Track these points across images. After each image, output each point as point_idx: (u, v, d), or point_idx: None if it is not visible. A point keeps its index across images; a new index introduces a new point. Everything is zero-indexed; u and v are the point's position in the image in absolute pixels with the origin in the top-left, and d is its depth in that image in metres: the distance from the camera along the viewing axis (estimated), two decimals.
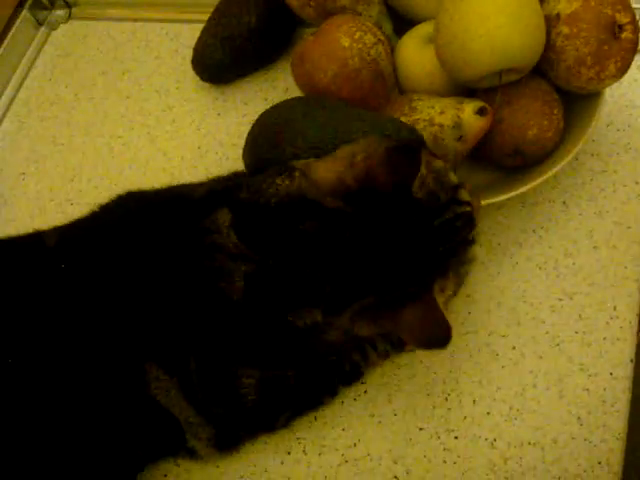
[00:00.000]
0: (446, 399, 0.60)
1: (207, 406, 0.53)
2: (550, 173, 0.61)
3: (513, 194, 0.61)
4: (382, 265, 0.49)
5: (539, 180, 0.61)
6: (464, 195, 0.52)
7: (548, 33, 0.60)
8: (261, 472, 0.59)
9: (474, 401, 0.60)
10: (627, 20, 0.59)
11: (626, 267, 0.63)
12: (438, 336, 0.48)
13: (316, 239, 0.49)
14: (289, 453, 0.60)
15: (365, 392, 0.62)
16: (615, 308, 0.61)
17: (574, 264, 0.64)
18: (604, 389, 0.58)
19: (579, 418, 0.58)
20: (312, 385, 0.57)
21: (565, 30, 0.59)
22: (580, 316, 0.62)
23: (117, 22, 0.92)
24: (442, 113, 0.59)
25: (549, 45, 0.60)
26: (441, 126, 0.58)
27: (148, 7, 0.90)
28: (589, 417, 0.57)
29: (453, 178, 0.52)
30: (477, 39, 0.56)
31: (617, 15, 0.58)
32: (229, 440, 0.57)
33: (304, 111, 0.58)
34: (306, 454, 0.60)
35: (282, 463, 0.60)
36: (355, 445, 0.59)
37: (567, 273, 0.64)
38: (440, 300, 0.49)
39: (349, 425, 0.60)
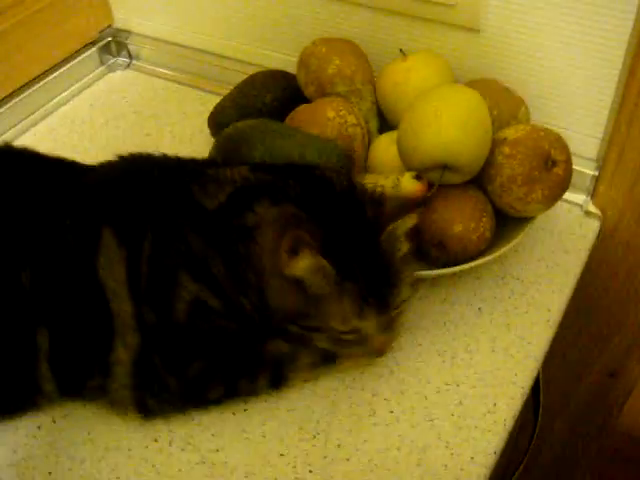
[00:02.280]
0: (314, 436, 0.63)
1: (145, 302, 0.57)
2: (464, 266, 0.68)
3: (434, 272, 0.67)
4: None
5: (454, 269, 0.67)
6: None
7: (493, 152, 0.69)
8: (124, 448, 0.62)
9: (338, 445, 0.62)
10: (561, 159, 0.68)
11: (516, 374, 0.67)
12: None
13: None
14: (156, 440, 0.62)
15: (245, 410, 0.65)
16: (495, 404, 0.65)
17: (470, 359, 0.68)
18: (461, 469, 0.60)
19: None
20: (232, 347, 0.61)
21: (506, 150, 0.68)
22: (460, 402, 0.65)
23: (164, 80, 1.06)
24: (386, 178, 0.68)
25: (491, 161, 0.69)
26: (382, 187, 0.67)
27: (191, 75, 1.05)
28: None
29: None
30: (428, 131, 0.66)
31: (552, 151, 0.68)
32: (148, 367, 0.60)
33: (260, 131, 0.72)
34: (170, 445, 0.62)
35: (146, 447, 0.62)
36: (217, 451, 0.62)
37: (461, 365, 0.68)
38: None
39: (219, 433, 0.63)
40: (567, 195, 0.79)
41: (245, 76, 0.90)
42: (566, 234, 0.80)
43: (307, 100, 0.82)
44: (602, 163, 0.82)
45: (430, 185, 0.68)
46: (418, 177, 0.66)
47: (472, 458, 0.61)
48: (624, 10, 0.70)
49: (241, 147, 0.75)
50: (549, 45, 0.77)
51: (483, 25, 0.78)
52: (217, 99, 0.95)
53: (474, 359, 0.68)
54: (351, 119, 0.74)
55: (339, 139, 0.74)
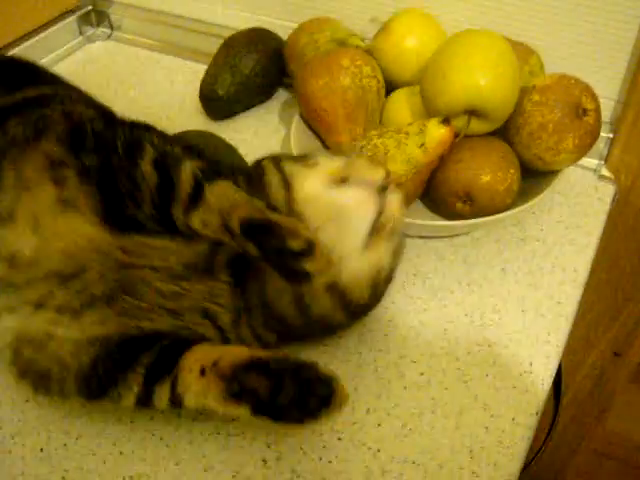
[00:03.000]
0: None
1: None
2: (491, 217, 0.63)
3: (457, 223, 0.63)
4: None
5: (483, 219, 0.63)
6: None
7: (520, 101, 0.65)
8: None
9: (367, 410, 0.57)
10: (591, 107, 0.65)
11: (549, 334, 0.63)
12: None
13: None
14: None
15: None
16: (531, 364, 0.60)
17: (500, 319, 0.64)
18: (503, 431, 0.55)
19: (471, 451, 0.54)
20: None
21: (536, 97, 0.65)
22: (494, 363, 0.60)
23: (147, 50, 1.00)
24: (410, 125, 0.63)
25: (519, 110, 0.65)
26: (407, 133, 0.62)
27: (175, 46, 0.99)
28: (481, 452, 0.54)
29: None
30: (457, 74, 0.62)
31: (583, 99, 0.64)
32: None
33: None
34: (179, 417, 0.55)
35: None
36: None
37: (491, 325, 0.63)
38: None
39: None
40: (580, 160, 0.76)
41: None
42: (583, 197, 0.77)
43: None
44: (617, 126, 0.79)
45: (455, 135, 0.64)
46: (445, 121, 0.62)
47: (513, 419, 0.56)
48: None
49: None
50: (565, 7, 0.75)
51: None
52: (202, 67, 0.90)
53: (503, 319, 0.64)
54: (367, 70, 0.70)
55: (351, 90, 0.69)
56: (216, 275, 0.53)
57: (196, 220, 0.50)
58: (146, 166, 0.51)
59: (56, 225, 0.50)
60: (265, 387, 0.46)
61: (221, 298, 0.53)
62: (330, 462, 0.53)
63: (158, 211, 0.51)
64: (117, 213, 0.51)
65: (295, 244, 0.47)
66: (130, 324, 0.51)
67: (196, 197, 0.50)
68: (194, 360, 0.49)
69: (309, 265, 0.47)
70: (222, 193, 0.51)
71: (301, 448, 0.54)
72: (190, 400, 0.48)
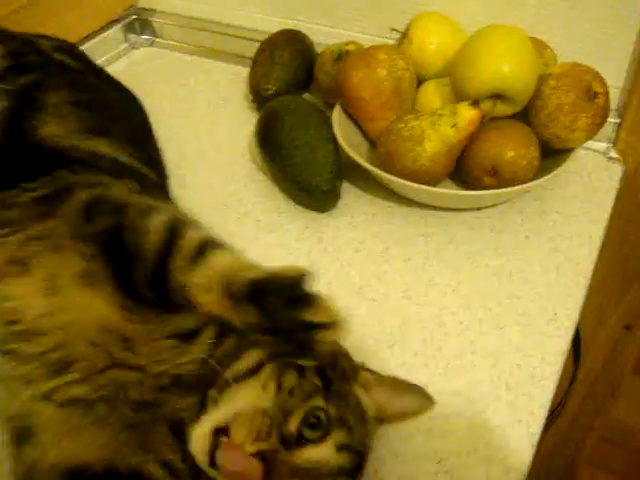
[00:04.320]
0: (390, 347, 0.65)
1: None
2: (516, 188, 0.72)
3: (486, 192, 0.71)
4: None
5: (509, 189, 0.72)
6: None
7: (539, 87, 0.74)
8: None
9: (415, 353, 0.65)
10: (601, 91, 0.74)
11: (570, 289, 0.71)
12: None
13: None
14: None
15: None
16: (556, 313, 0.68)
17: (525, 278, 0.72)
18: (534, 368, 0.63)
19: (507, 384, 0.62)
20: None
21: (552, 83, 0.73)
22: (524, 313, 0.68)
23: (189, 55, 1.09)
24: (442, 108, 0.72)
25: (538, 94, 0.74)
26: (440, 115, 0.71)
27: (214, 50, 1.09)
28: (517, 386, 0.62)
29: None
30: (485, 62, 0.71)
31: (594, 83, 0.73)
32: None
33: (283, 113, 0.79)
34: None
35: None
36: None
37: (518, 282, 0.71)
38: None
39: None
40: (590, 143, 0.85)
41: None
42: (594, 176, 0.86)
43: None
44: (623, 112, 0.87)
45: (483, 116, 0.73)
46: (474, 104, 0.71)
47: (543, 358, 0.64)
48: None
49: (275, 121, 0.80)
50: (573, 5, 0.84)
51: None
52: (240, 68, 0.99)
53: (529, 277, 0.72)
54: (401, 64, 0.78)
55: (387, 81, 0.78)
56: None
57: (195, 280, 0.49)
58: (156, 224, 0.52)
59: (71, 295, 0.50)
60: None
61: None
62: None
63: (155, 268, 0.50)
64: (124, 285, 0.50)
65: (313, 315, 0.46)
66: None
67: (200, 254, 0.50)
68: None
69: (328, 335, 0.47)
70: (228, 259, 0.50)
71: None
72: None
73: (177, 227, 0.52)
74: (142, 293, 0.50)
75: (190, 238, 0.51)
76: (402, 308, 0.69)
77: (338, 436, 0.47)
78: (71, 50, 0.82)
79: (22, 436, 0.50)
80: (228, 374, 0.49)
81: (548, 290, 0.71)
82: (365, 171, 0.78)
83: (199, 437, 0.46)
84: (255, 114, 0.95)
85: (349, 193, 0.82)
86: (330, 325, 0.48)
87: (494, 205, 0.80)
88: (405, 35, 0.85)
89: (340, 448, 0.47)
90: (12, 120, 0.63)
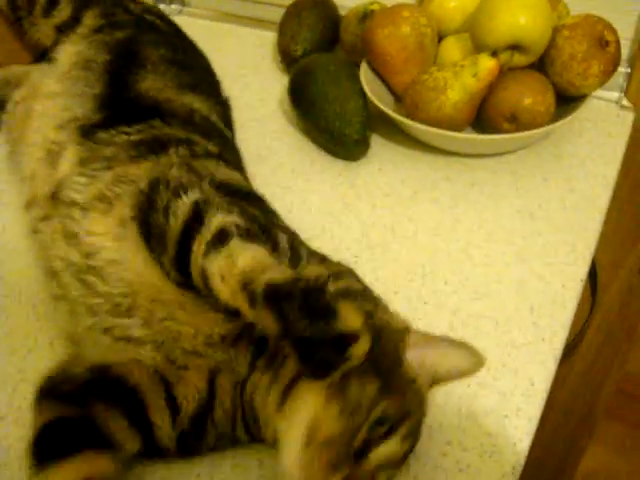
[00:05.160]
0: (422, 277, 0.71)
1: None
2: (534, 131, 0.77)
3: (507, 136, 0.77)
4: None
5: (527, 133, 0.77)
6: None
7: (553, 37, 0.79)
8: None
9: (445, 282, 0.71)
10: (612, 39, 0.79)
11: (586, 224, 0.76)
12: None
13: None
14: None
15: None
16: (574, 245, 0.74)
17: (546, 215, 0.78)
18: (555, 293, 0.69)
19: (531, 307, 0.68)
20: None
21: (566, 33, 0.78)
22: (544, 245, 0.74)
23: (217, 22, 1.15)
24: (464, 59, 0.77)
25: (553, 44, 0.79)
26: (462, 66, 0.76)
27: (243, 18, 1.14)
28: (540, 308, 0.68)
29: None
30: (503, 14, 0.76)
31: (605, 32, 0.78)
32: None
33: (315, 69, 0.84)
34: None
35: None
36: None
37: (539, 218, 0.77)
38: None
39: None
40: (603, 93, 0.90)
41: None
42: (607, 122, 0.91)
43: None
44: (633, 62, 0.92)
45: (501, 66, 0.78)
46: (494, 54, 0.76)
47: (563, 285, 0.70)
48: None
49: (306, 78, 0.86)
50: None
51: None
52: (267, 33, 1.04)
53: (549, 215, 0.78)
54: (423, 20, 0.83)
55: (412, 37, 0.83)
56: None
57: (215, 267, 0.48)
58: (184, 204, 0.53)
59: (130, 251, 0.56)
60: None
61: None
62: (420, 319, 0.67)
63: (179, 249, 0.52)
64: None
65: (343, 325, 0.43)
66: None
67: (221, 240, 0.49)
68: None
69: (355, 350, 0.44)
70: (249, 255, 0.48)
71: None
72: None
73: (206, 210, 0.52)
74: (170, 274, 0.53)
75: (214, 222, 0.51)
76: (431, 244, 0.75)
77: (403, 429, 0.49)
78: (160, 14, 0.89)
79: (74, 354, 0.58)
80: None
81: (566, 225, 0.76)
82: (392, 122, 0.84)
83: (292, 460, 0.47)
84: (283, 75, 1.00)
85: (377, 143, 0.87)
86: (356, 336, 0.45)
87: (513, 151, 0.85)
88: None
89: (405, 438, 0.49)
90: (113, 72, 0.71)
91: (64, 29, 0.81)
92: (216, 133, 0.72)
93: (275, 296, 0.44)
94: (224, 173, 0.65)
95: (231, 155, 0.73)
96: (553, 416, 1.51)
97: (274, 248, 0.54)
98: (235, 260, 0.47)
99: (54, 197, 0.63)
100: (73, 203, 0.61)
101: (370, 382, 0.49)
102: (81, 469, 0.50)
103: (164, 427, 0.54)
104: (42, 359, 0.65)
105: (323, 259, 0.62)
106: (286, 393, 0.50)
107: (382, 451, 0.48)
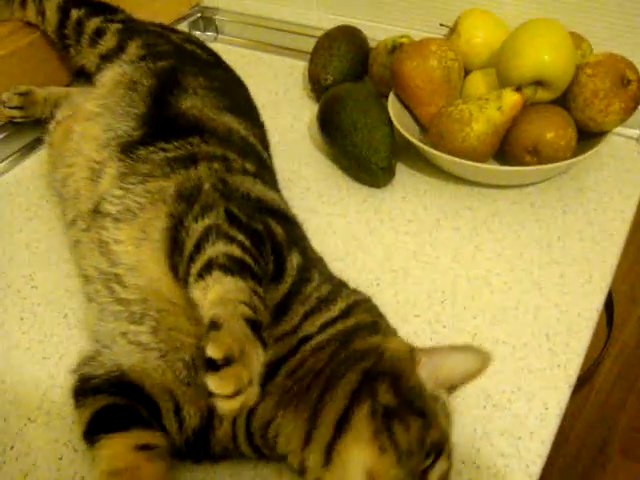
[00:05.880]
0: (442, 302, 0.74)
1: None
2: (555, 164, 0.80)
3: (529, 168, 0.80)
4: None
5: (549, 166, 0.80)
6: None
7: (577, 74, 0.82)
8: None
9: (464, 307, 0.73)
10: (634, 78, 0.81)
11: (604, 256, 0.78)
12: None
13: None
14: None
15: None
16: (590, 276, 0.76)
17: (564, 246, 0.80)
18: (571, 321, 0.71)
19: (547, 335, 0.70)
20: None
21: (589, 71, 0.81)
22: (561, 275, 0.76)
23: (250, 50, 1.19)
24: (489, 93, 0.81)
25: (576, 81, 0.82)
26: (487, 100, 0.79)
27: (275, 47, 1.19)
28: (555, 336, 0.70)
29: None
30: (528, 51, 0.79)
31: (627, 71, 0.81)
32: None
33: (345, 98, 0.88)
34: None
35: None
36: None
37: (557, 249, 0.79)
38: None
39: None
40: (624, 130, 0.93)
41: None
42: (627, 159, 0.93)
43: None
44: None
45: (525, 101, 0.81)
46: (518, 89, 0.79)
47: (579, 314, 0.72)
48: None
49: (336, 105, 0.89)
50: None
51: None
52: (298, 62, 1.08)
53: (566, 245, 0.80)
54: (450, 54, 0.87)
55: (438, 70, 0.86)
56: None
57: (195, 296, 0.51)
58: (198, 227, 0.57)
59: (145, 258, 0.60)
60: None
61: None
62: (439, 342, 0.69)
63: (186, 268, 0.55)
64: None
65: (211, 350, 0.43)
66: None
67: (205, 271, 0.51)
68: None
69: (211, 382, 0.43)
70: (222, 289, 0.49)
71: (415, 332, 0.71)
72: None
73: (208, 236, 0.55)
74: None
75: (208, 252, 0.53)
76: (452, 270, 0.77)
77: (447, 446, 0.53)
78: (199, 43, 0.94)
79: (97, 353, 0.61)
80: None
81: (584, 257, 0.78)
82: (417, 152, 0.87)
83: None
84: (312, 102, 1.04)
85: (403, 172, 0.90)
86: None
87: (535, 183, 0.88)
88: (453, 30, 0.93)
89: (450, 454, 0.53)
90: (157, 94, 0.75)
91: (108, 57, 0.85)
92: (254, 153, 0.75)
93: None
94: (260, 190, 0.68)
95: (268, 176, 0.76)
96: (568, 448, 1.51)
97: (278, 270, 0.57)
98: (208, 293, 0.50)
99: (95, 211, 0.67)
100: (108, 214, 0.65)
101: (413, 420, 0.51)
102: (137, 437, 0.54)
103: (172, 433, 0.57)
104: (72, 366, 0.68)
105: (340, 285, 0.64)
106: (329, 448, 0.51)
107: (436, 473, 0.51)
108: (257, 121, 0.85)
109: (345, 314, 0.59)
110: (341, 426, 0.51)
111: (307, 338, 0.57)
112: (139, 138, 0.71)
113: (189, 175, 0.65)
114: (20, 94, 0.93)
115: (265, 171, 0.76)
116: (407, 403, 0.52)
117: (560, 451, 1.48)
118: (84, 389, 0.59)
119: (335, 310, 0.59)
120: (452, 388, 0.57)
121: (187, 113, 0.74)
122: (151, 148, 0.69)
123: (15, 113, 0.94)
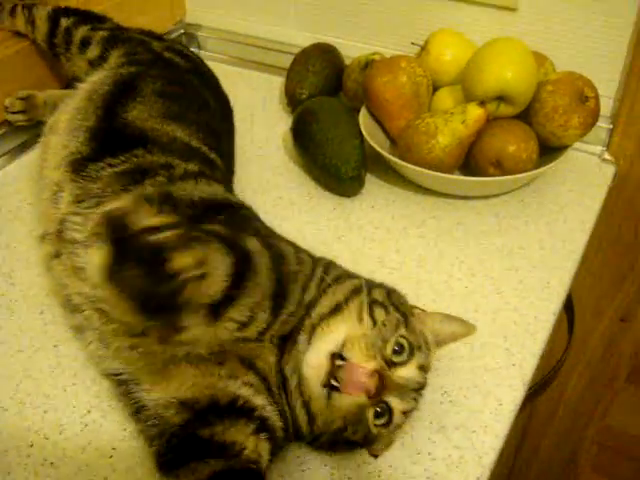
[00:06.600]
0: None
1: None
2: (517, 176, 0.84)
3: (491, 179, 0.83)
4: None
5: (511, 177, 0.83)
6: None
7: (538, 91, 0.86)
8: None
9: (426, 310, 0.76)
10: (591, 95, 0.86)
11: (562, 264, 0.82)
12: None
13: None
14: None
15: None
16: (549, 282, 0.79)
17: (524, 253, 0.83)
18: (528, 324, 0.74)
19: (505, 336, 0.73)
20: None
21: (549, 88, 0.85)
22: (521, 281, 0.79)
23: (230, 65, 1.23)
24: (454, 107, 0.84)
25: (537, 98, 0.86)
26: (452, 113, 0.83)
27: (255, 63, 1.23)
28: (513, 338, 0.73)
29: None
30: (491, 68, 0.83)
31: (585, 88, 0.85)
32: None
33: (317, 111, 0.92)
34: None
35: None
36: None
37: (517, 257, 0.83)
38: None
39: None
40: (587, 146, 0.97)
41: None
42: (589, 174, 0.97)
43: None
44: (615, 119, 0.99)
45: (488, 115, 0.85)
46: (482, 104, 0.83)
47: (536, 317, 0.75)
48: None
49: (309, 117, 0.93)
50: (572, 19, 0.96)
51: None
52: (276, 78, 1.12)
53: (527, 254, 0.83)
54: (419, 71, 0.91)
55: (407, 86, 0.90)
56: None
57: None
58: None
59: None
60: None
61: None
62: None
63: None
64: None
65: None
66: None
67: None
68: None
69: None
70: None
71: None
72: None
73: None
74: None
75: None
76: (416, 275, 0.80)
77: (418, 358, 0.59)
78: (181, 51, 0.96)
79: (122, 382, 0.61)
80: (313, 319, 0.59)
81: (543, 264, 0.82)
82: (386, 164, 0.91)
83: (316, 361, 0.56)
84: (288, 115, 1.08)
85: (372, 183, 0.94)
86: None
87: (499, 195, 0.91)
88: (424, 48, 0.97)
89: (420, 368, 0.59)
90: (108, 103, 0.76)
91: (94, 65, 0.88)
92: (198, 155, 0.75)
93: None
94: (202, 190, 0.69)
95: (218, 172, 0.77)
96: (537, 465, 1.53)
97: (244, 259, 0.55)
98: None
99: (59, 236, 0.67)
100: (75, 241, 0.65)
101: (393, 311, 0.61)
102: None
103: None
104: (46, 359, 0.70)
105: (309, 254, 0.67)
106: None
107: (403, 372, 0.57)
108: (218, 131, 0.86)
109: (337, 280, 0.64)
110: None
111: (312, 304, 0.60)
112: (87, 154, 0.70)
113: (138, 193, 0.65)
114: (21, 99, 0.96)
115: (216, 173, 0.77)
116: (393, 304, 0.62)
117: (530, 469, 1.51)
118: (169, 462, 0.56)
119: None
120: (439, 342, 0.64)
121: (132, 124, 0.73)
122: (100, 164, 0.68)
123: (19, 117, 0.97)
